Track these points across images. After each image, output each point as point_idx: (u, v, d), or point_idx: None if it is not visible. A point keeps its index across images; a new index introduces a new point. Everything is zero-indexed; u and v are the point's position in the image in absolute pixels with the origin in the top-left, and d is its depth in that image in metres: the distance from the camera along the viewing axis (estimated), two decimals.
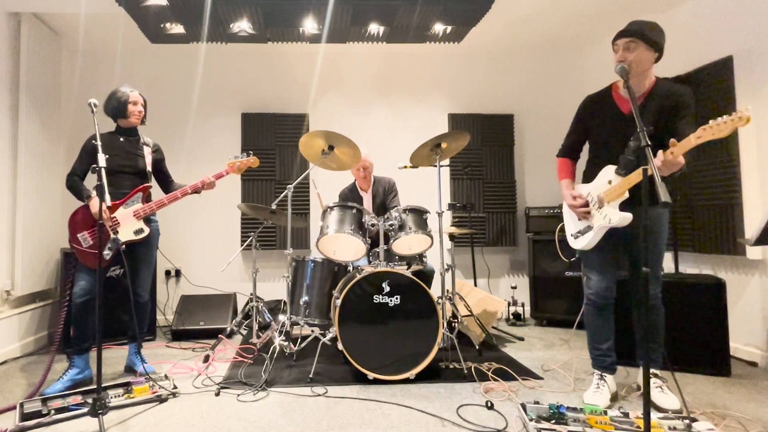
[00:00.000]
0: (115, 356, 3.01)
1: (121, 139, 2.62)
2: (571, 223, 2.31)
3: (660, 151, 1.84)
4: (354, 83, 4.32)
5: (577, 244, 2.25)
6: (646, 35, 2.00)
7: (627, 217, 2.00)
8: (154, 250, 2.74)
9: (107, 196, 2.02)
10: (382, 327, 2.47)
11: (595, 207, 2.14)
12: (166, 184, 2.83)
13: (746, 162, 2.81)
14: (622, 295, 2.27)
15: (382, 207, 3.42)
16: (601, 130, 2.22)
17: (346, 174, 3.50)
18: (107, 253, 2.38)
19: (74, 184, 2.52)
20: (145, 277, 2.70)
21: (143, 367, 2.55)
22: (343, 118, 4.26)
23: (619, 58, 2.03)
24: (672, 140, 1.82)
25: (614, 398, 2.21)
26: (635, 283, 2.23)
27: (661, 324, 2.20)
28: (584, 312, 2.29)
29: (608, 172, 2.11)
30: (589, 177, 2.26)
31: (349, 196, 3.46)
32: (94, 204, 2.41)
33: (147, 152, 2.69)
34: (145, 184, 2.59)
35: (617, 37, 2.06)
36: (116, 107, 2.59)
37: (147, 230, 2.54)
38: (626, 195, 2.02)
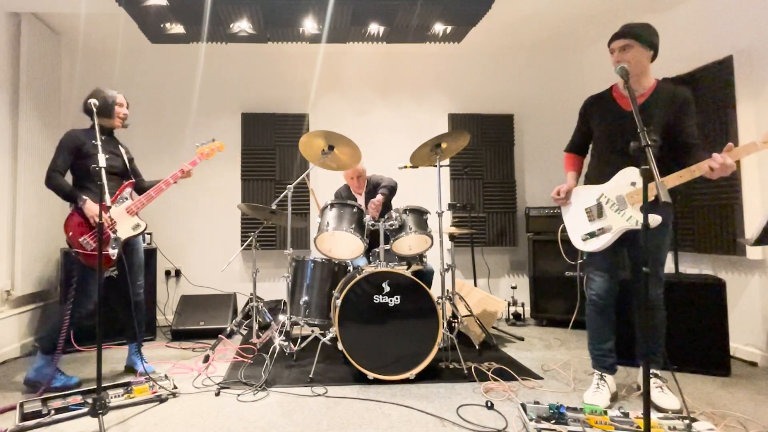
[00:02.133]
0: (116, 356, 3.01)
1: (103, 139, 2.58)
2: (579, 225, 2.24)
3: (715, 154, 1.84)
4: (354, 83, 4.32)
5: (589, 246, 2.18)
6: (639, 35, 2.04)
7: (657, 219, 1.98)
8: (141, 246, 2.77)
9: (107, 197, 2.01)
10: (382, 327, 2.47)
11: (612, 209, 2.11)
12: (139, 183, 2.83)
13: (746, 162, 2.81)
14: (623, 296, 2.27)
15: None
16: (602, 129, 2.22)
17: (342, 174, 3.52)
18: (113, 252, 2.38)
19: (60, 182, 2.47)
20: (139, 275, 2.72)
21: (143, 366, 2.55)
22: (343, 118, 4.27)
23: (616, 59, 2.07)
24: (729, 144, 1.84)
25: (614, 398, 2.21)
26: (638, 283, 2.22)
27: (661, 325, 2.20)
28: (586, 312, 2.29)
29: (630, 173, 2.07)
30: (594, 177, 2.24)
31: (344, 196, 3.47)
32: (90, 207, 2.41)
33: (123, 152, 2.72)
34: (131, 180, 2.63)
35: (612, 40, 2.10)
36: (103, 106, 2.52)
37: (143, 224, 2.56)
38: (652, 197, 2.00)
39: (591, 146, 2.36)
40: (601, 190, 2.17)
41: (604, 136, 2.22)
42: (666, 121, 2.05)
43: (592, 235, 2.18)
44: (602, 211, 2.15)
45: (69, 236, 2.44)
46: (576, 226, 2.27)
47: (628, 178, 2.08)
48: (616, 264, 2.21)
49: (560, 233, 2.44)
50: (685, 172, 1.93)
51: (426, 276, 3.10)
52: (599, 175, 2.20)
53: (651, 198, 1.96)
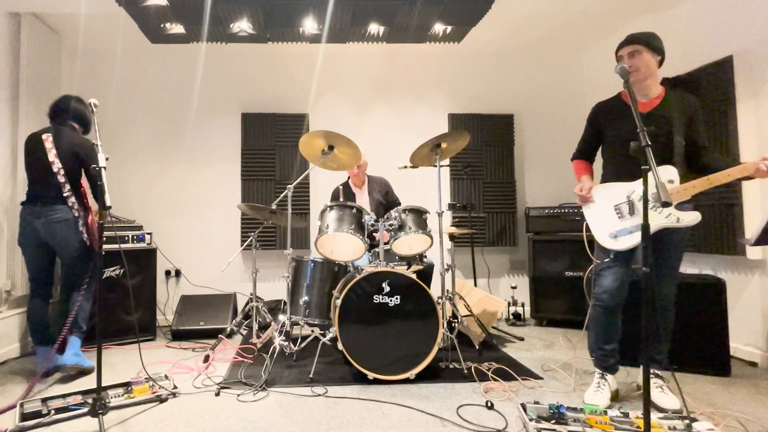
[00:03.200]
0: (116, 357, 3.02)
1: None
2: (606, 223, 2.19)
3: (765, 155, 1.86)
4: (354, 83, 4.32)
5: (621, 243, 2.12)
6: (647, 41, 2.09)
7: (698, 216, 1.99)
8: None
9: (107, 196, 2.01)
10: (382, 327, 2.47)
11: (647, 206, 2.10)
12: None
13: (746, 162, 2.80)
14: (632, 296, 2.24)
15: (380, 205, 3.47)
16: (619, 133, 2.19)
17: (343, 174, 3.52)
18: None
19: None
20: None
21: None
22: (343, 118, 4.27)
23: (627, 65, 2.05)
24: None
25: (615, 397, 2.21)
26: (659, 283, 2.17)
27: (671, 325, 2.19)
28: (591, 311, 2.25)
29: (667, 171, 2.03)
30: (616, 178, 2.21)
31: (344, 193, 3.48)
32: None
33: None
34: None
35: (620, 47, 2.14)
36: (90, 120, 2.68)
37: None
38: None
39: (602, 151, 2.34)
40: (631, 188, 2.13)
41: (622, 139, 2.17)
42: (682, 124, 2.08)
43: (621, 232, 2.13)
44: (634, 209, 2.11)
45: (93, 234, 2.65)
46: (602, 224, 2.20)
47: (665, 175, 2.03)
48: (631, 263, 2.19)
49: (585, 232, 2.33)
50: (735, 171, 1.91)
51: (426, 271, 3.10)
52: (623, 174, 2.17)
53: (688, 197, 2.00)
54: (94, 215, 2.71)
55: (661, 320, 2.19)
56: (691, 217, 2.00)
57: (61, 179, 2.57)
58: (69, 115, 2.71)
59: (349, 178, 3.59)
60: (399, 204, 3.58)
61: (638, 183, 2.12)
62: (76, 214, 2.61)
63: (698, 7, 3.17)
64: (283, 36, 3.81)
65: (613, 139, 2.24)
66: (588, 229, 2.26)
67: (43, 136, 2.62)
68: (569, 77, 4.42)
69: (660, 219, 2.06)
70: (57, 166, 2.57)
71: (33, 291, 2.70)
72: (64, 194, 2.58)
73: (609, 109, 2.27)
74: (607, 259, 2.19)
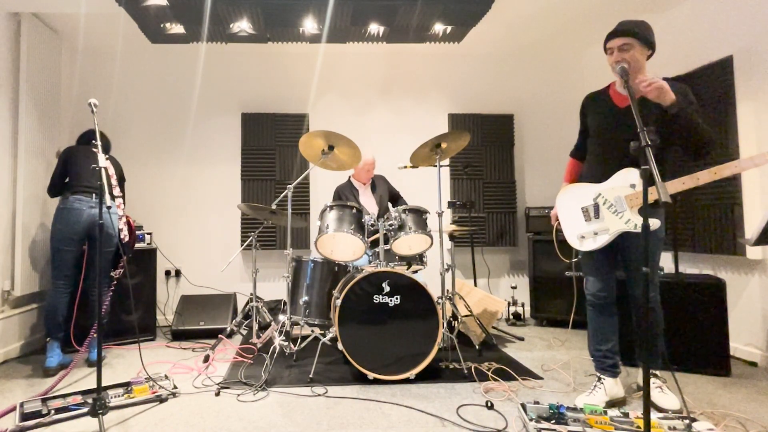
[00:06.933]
0: (116, 356, 3.01)
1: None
2: (575, 224, 2.22)
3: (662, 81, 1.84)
4: (354, 83, 4.32)
5: (585, 245, 2.16)
6: (639, 34, 2.00)
7: (656, 223, 1.95)
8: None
9: (108, 197, 2.03)
10: (382, 327, 2.47)
11: (610, 210, 2.07)
12: None
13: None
14: (621, 297, 2.26)
15: (384, 199, 3.53)
16: (595, 124, 2.21)
17: (343, 174, 3.52)
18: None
19: None
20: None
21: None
22: (343, 118, 4.26)
23: (615, 59, 2.03)
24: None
25: (620, 403, 2.15)
26: (632, 285, 2.20)
27: (658, 326, 2.19)
28: (586, 312, 2.28)
29: (630, 175, 2.03)
30: (587, 175, 2.23)
31: (347, 190, 3.49)
32: None
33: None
34: None
35: (609, 38, 2.06)
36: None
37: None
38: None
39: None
40: (598, 190, 2.13)
41: (597, 133, 2.20)
42: (662, 118, 2.00)
43: (588, 235, 2.15)
44: (599, 212, 2.11)
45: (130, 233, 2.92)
46: (572, 225, 2.24)
47: (627, 179, 2.04)
48: (610, 264, 2.19)
49: (555, 231, 2.41)
50: (675, 183, 1.89)
51: None
52: (592, 173, 2.19)
53: (651, 200, 1.94)
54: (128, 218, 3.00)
55: (644, 321, 2.18)
56: (650, 224, 1.96)
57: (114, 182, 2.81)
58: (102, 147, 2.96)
59: (350, 177, 3.60)
60: (400, 195, 3.67)
61: (606, 185, 2.11)
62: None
63: (698, 7, 3.17)
64: (283, 36, 3.81)
65: (593, 132, 2.24)
66: (560, 230, 2.31)
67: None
68: (569, 77, 4.42)
69: (619, 224, 2.05)
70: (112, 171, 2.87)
71: (62, 287, 2.83)
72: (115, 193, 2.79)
73: (592, 101, 2.26)
74: (575, 259, 2.22)
